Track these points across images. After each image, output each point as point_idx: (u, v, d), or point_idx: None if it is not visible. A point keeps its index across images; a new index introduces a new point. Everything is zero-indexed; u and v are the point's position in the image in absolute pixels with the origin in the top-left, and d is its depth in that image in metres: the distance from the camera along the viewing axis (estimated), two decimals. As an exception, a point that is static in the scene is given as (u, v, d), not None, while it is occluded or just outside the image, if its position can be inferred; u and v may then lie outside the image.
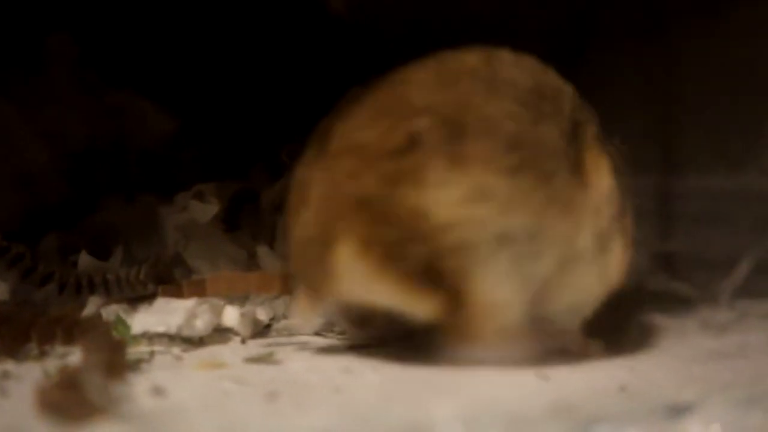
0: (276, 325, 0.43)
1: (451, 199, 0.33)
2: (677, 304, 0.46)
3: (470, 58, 0.37)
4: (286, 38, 0.64)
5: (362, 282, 0.35)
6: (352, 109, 0.36)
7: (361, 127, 0.35)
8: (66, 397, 0.27)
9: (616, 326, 0.37)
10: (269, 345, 0.41)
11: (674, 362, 0.35)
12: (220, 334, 0.42)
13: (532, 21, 0.58)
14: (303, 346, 0.41)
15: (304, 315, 0.38)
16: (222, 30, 0.63)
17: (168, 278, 0.44)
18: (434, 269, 0.33)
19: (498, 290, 0.34)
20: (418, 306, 0.35)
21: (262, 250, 0.48)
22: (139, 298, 0.42)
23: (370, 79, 0.37)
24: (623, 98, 0.56)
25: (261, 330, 0.43)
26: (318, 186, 0.36)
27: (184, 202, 0.47)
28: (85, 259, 0.47)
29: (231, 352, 0.40)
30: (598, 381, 0.33)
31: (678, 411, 0.27)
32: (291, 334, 0.43)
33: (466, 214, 0.33)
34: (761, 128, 0.50)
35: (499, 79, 0.36)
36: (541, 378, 0.33)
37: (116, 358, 0.32)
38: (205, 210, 0.46)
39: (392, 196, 0.34)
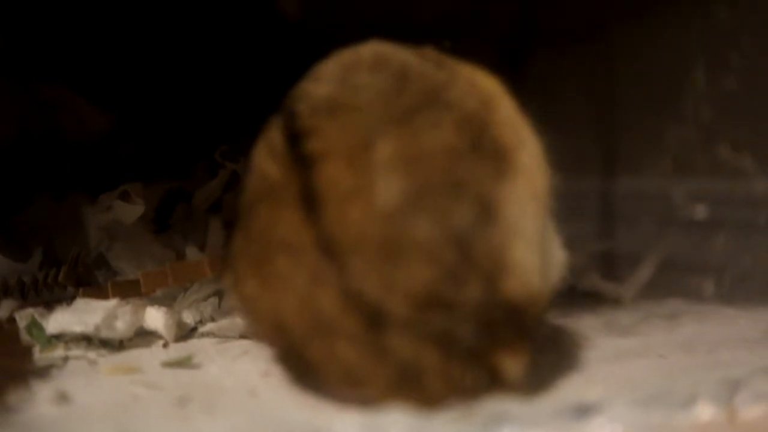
0: (202, 329, 0.42)
1: None
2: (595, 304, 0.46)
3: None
4: (234, 37, 0.63)
5: None
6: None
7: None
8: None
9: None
10: (192, 349, 0.40)
11: (578, 362, 0.35)
12: (142, 337, 0.41)
13: (477, 28, 0.59)
14: (226, 350, 0.40)
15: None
16: (172, 30, 0.62)
17: (89, 280, 0.43)
18: None
19: None
20: None
21: (191, 251, 0.47)
22: (59, 302, 0.41)
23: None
24: (565, 102, 0.56)
25: (186, 333, 0.42)
26: None
27: (108, 202, 0.46)
28: (-1, 261, 0.46)
29: (150, 356, 0.39)
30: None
31: (582, 411, 0.27)
32: (217, 337, 0.42)
33: None
34: (697, 133, 0.50)
35: None
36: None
37: (18, 364, 0.31)
38: (131, 211, 0.45)
39: None
